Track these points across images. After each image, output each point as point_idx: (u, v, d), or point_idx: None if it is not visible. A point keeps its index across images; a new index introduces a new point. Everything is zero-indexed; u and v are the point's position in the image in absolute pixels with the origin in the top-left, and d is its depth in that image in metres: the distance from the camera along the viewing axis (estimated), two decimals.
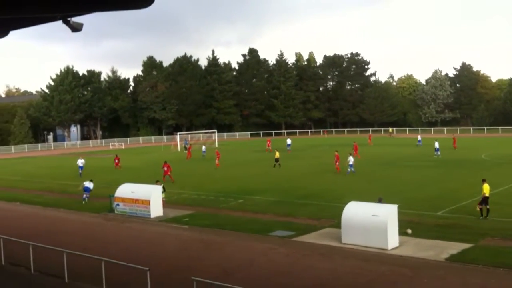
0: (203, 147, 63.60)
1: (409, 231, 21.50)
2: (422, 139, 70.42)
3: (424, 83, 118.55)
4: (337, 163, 42.77)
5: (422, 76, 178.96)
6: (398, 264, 18.00)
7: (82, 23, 14.91)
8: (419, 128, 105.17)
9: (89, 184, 33.90)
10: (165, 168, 41.34)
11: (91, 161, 59.56)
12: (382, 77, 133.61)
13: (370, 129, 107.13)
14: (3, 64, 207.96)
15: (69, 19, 14.59)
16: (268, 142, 70.45)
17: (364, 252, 19.57)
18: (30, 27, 17.41)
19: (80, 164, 48.97)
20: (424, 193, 31.69)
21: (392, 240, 19.86)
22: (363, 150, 59.95)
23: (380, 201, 22.47)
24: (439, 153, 53.28)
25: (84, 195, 33.56)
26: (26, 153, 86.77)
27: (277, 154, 48.91)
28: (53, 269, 18.13)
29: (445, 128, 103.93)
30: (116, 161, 52.96)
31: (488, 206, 24.20)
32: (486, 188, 24.33)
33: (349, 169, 41.35)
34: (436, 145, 54.23)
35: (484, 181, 24.77)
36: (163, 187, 29.49)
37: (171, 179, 40.15)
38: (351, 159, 41.66)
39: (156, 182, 30.12)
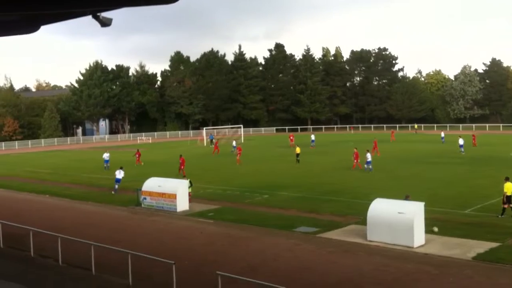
0: (234, 142, 62.96)
1: (436, 229, 21.29)
2: (446, 135, 69.53)
3: (453, 79, 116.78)
4: (357, 161, 42.31)
5: (450, 71, 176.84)
6: (424, 262, 17.86)
7: (111, 18, 15.08)
8: (447, 125, 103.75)
9: (119, 174, 35.20)
10: (180, 161, 42.35)
11: (118, 155, 60.33)
12: (410, 73, 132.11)
13: (397, 125, 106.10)
14: (34, 58, 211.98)
15: (98, 14, 14.79)
16: (291, 137, 70.03)
17: (389, 250, 19.45)
18: (60, 22, 17.71)
19: (106, 158, 49.66)
20: (451, 191, 31.31)
21: (418, 238, 19.70)
22: (387, 147, 59.46)
23: (407, 198, 22.29)
24: (462, 149, 52.71)
25: (116, 186, 34.93)
26: (56, 147, 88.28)
27: (298, 150, 48.86)
28: (80, 261, 18.48)
29: (473, 124, 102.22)
30: (137, 156, 51.43)
31: (511, 205, 23.81)
32: (507, 187, 23.90)
33: (366, 166, 40.96)
34: (461, 141, 53.48)
35: (507, 179, 24.24)
36: (190, 182, 29.61)
37: (183, 174, 40.19)
38: (368, 156, 41.25)
39: (184, 176, 30.25)
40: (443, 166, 43.36)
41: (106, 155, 49.98)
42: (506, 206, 23.88)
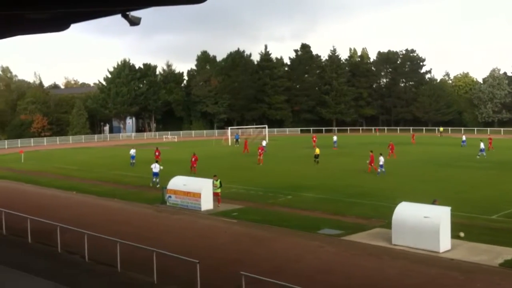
0: (263, 142, 61.74)
1: (462, 234, 21.01)
2: (468, 139, 68.19)
3: (481, 82, 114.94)
4: (372, 164, 41.82)
5: (479, 74, 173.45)
6: (450, 267, 17.64)
7: (140, 17, 15.25)
8: (475, 128, 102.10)
9: (155, 168, 37.33)
10: (193, 159, 44.11)
11: (145, 153, 60.87)
12: (438, 75, 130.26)
13: (424, 128, 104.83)
14: (63, 56, 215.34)
15: (128, 13, 14.98)
16: (314, 139, 68.76)
17: (414, 254, 19.27)
18: (89, 20, 18.00)
19: (133, 154, 50.43)
20: (478, 195, 30.86)
21: (444, 242, 19.47)
22: (413, 150, 58.78)
23: (434, 203, 21.95)
24: (484, 153, 51.79)
25: (154, 179, 36.97)
26: (83, 144, 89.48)
27: (317, 151, 48.86)
28: (106, 258, 18.73)
29: (502, 129, 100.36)
30: (157, 153, 49.77)
31: None
32: None
33: (379, 170, 40.52)
34: (482, 145, 52.37)
35: None
36: (220, 182, 29.26)
37: (194, 171, 42.41)
38: (381, 159, 40.75)
39: (214, 176, 29.85)
40: (470, 170, 42.74)
41: (132, 151, 50.80)
42: None
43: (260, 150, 51.39)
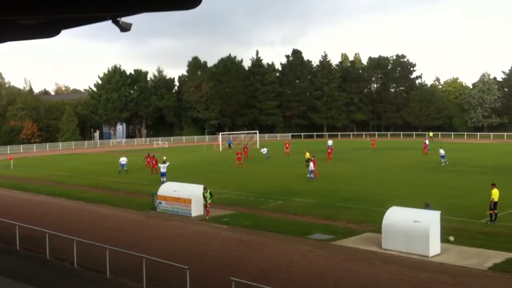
0: (264, 149, 61.67)
1: (452, 238, 21.07)
2: (460, 144, 68.19)
3: (471, 87, 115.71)
4: (314, 169, 41.81)
5: (469, 79, 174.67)
6: (440, 271, 17.67)
7: (131, 23, 15.22)
8: (465, 133, 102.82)
9: (163, 168, 40.12)
10: (148, 160, 47.65)
11: (135, 159, 60.69)
12: (428, 80, 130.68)
13: (414, 133, 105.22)
14: (54, 62, 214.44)
15: (118, 19, 14.94)
16: (286, 145, 67.76)
17: (405, 258, 19.29)
18: (80, 26, 17.95)
19: (123, 162, 49.78)
20: (468, 200, 30.96)
21: (434, 247, 19.51)
22: (401, 155, 58.78)
23: (427, 206, 21.98)
24: (445, 159, 51.01)
25: (162, 179, 38.84)
26: (73, 150, 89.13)
27: (308, 155, 49.12)
28: (95, 264, 18.62)
29: (491, 133, 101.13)
30: (153, 162, 48.62)
31: (496, 211, 24.29)
32: (495, 194, 24.36)
33: (310, 175, 40.90)
34: (441, 152, 51.76)
35: (494, 185, 24.82)
36: (210, 193, 27.99)
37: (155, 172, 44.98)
38: (311, 165, 41.16)
39: (204, 188, 29.16)
40: (462, 175, 42.90)
41: (123, 159, 50.00)
42: (491, 212, 24.28)
43: (238, 154, 53.30)
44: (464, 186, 37.03)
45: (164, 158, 43.70)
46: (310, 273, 18.02)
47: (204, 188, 28.28)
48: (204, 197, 27.95)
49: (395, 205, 22.25)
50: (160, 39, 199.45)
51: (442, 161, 50.96)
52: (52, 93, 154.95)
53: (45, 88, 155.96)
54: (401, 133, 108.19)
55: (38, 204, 34.44)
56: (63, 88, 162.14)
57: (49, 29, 18.16)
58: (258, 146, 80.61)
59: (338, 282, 17.12)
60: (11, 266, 19.56)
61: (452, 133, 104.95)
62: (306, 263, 19.21)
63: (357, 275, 17.64)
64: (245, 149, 62.28)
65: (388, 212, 21.04)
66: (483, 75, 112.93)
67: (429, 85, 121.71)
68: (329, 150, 56.37)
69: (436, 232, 19.71)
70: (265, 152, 60.33)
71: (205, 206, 28.03)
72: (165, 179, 38.72)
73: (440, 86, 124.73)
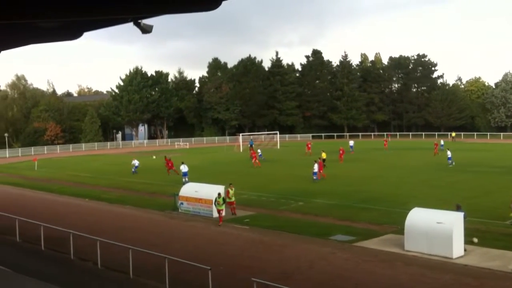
0: (259, 151, 61.49)
1: (475, 239, 20.84)
2: (482, 144, 67.46)
3: (494, 86, 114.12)
4: (321, 171, 42.16)
5: (491, 79, 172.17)
6: (463, 273, 17.51)
7: (152, 25, 15.39)
8: (488, 133, 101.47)
9: (184, 168, 41.35)
10: (168, 163, 47.78)
11: (157, 160, 61.22)
12: (450, 80, 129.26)
13: (436, 133, 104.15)
14: (76, 64, 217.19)
15: (139, 21, 15.12)
16: (308, 145, 68.49)
17: (427, 260, 19.15)
18: (102, 28, 18.19)
19: (136, 164, 51.59)
20: (490, 200, 30.57)
21: (457, 248, 19.33)
22: (421, 155, 58.23)
23: (458, 208, 21.55)
24: (452, 161, 50.31)
25: (183, 179, 39.65)
26: (96, 151, 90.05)
27: (324, 155, 49.23)
28: (118, 265, 18.81)
29: None
30: (169, 164, 48.18)
31: None
32: None
33: (314, 177, 40.80)
34: (449, 154, 51.25)
35: None
36: (223, 199, 27.01)
37: (175, 172, 45.45)
38: (316, 167, 41.11)
39: (230, 185, 28.82)
40: (483, 175, 42.38)
41: (135, 162, 52.03)
42: None
43: (253, 154, 55.37)
44: (486, 186, 36.57)
45: (182, 162, 43.56)
46: (331, 274, 18.00)
47: (230, 184, 28.76)
48: (228, 196, 27.95)
49: (415, 206, 22.12)
50: (179, 40, 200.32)
51: (449, 162, 50.47)
52: (75, 94, 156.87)
53: (68, 90, 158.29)
54: (423, 133, 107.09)
55: (62, 204, 34.92)
56: (86, 90, 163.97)
57: (72, 32, 18.44)
58: (278, 147, 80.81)
59: (359, 283, 17.05)
60: (36, 266, 19.88)
61: (475, 133, 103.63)
62: (327, 264, 19.19)
63: (378, 277, 17.56)
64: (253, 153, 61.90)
65: (410, 213, 20.91)
66: (506, 74, 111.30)
67: (451, 85, 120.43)
68: (340, 152, 55.89)
69: (459, 233, 19.52)
70: (260, 154, 60.28)
71: (230, 204, 28.13)
72: (187, 178, 39.79)
73: (462, 86, 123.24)
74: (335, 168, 47.83)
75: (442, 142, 69.76)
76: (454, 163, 49.59)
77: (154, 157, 65.96)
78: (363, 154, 65.88)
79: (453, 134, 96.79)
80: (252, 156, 55.02)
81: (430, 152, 61.74)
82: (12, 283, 15.98)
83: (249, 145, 77.53)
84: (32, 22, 15.17)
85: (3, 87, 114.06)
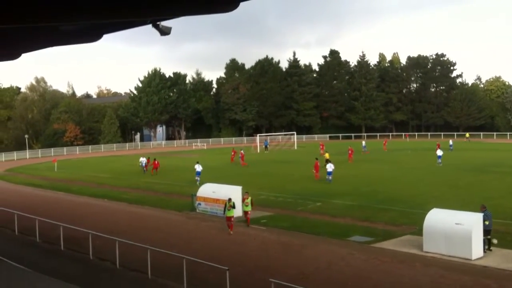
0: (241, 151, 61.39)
1: (495, 241, 20.57)
2: (501, 144, 66.92)
3: None
4: (317, 171, 42.33)
5: (511, 78, 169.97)
6: (482, 275, 17.34)
7: (171, 26, 15.52)
8: (508, 133, 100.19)
9: (198, 167, 42.00)
10: (148, 162, 51.61)
11: (175, 161, 61.51)
12: (469, 79, 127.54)
13: (455, 133, 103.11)
14: (96, 66, 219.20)
15: (158, 23, 15.27)
16: (321, 146, 68.25)
17: (446, 261, 18.99)
18: (121, 30, 18.39)
19: (144, 162, 53.55)
20: (510, 201, 30.17)
21: (477, 249, 19.15)
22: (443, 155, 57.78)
23: (483, 209, 20.99)
24: (440, 161, 50.29)
25: (197, 177, 41.31)
26: (115, 152, 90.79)
27: (327, 155, 49.46)
28: (137, 265, 18.97)
29: None
30: (153, 165, 51.35)
31: None
32: None
33: (328, 177, 40.38)
34: (439, 153, 51.11)
35: None
36: (233, 204, 25.06)
37: (154, 172, 49.20)
38: (329, 167, 40.62)
39: (246, 193, 27.26)
40: (501, 176, 41.84)
41: (142, 159, 54.45)
42: None
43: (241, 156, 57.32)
44: (505, 187, 36.09)
45: (197, 161, 44.07)
46: (349, 275, 17.94)
47: (246, 193, 27.12)
48: (245, 204, 26.63)
49: (435, 206, 21.95)
50: (195, 42, 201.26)
51: (438, 161, 50.31)
52: (94, 96, 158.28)
53: (87, 92, 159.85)
54: (442, 133, 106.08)
55: (81, 205, 35.27)
56: (105, 92, 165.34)
57: (92, 34, 18.70)
58: (296, 147, 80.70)
59: (378, 284, 16.98)
60: (56, 266, 20.13)
61: (495, 133, 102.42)
62: (345, 265, 19.13)
63: (396, 278, 17.47)
64: (234, 153, 61.89)
65: (429, 214, 20.76)
66: None
67: (470, 84, 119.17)
68: (349, 152, 55.95)
69: (479, 234, 19.34)
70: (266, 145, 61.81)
71: (246, 213, 26.69)
72: (199, 178, 41.34)
73: (482, 85, 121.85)
74: (353, 169, 47.65)
75: (451, 142, 69.20)
76: (442, 164, 49.60)
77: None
78: (381, 154, 65.46)
79: (467, 134, 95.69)
80: (236, 157, 58.06)
81: (448, 153, 61.15)
82: (33, 283, 16.21)
83: (264, 146, 77.69)
84: (54, 25, 15.39)
85: (23, 89, 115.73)
